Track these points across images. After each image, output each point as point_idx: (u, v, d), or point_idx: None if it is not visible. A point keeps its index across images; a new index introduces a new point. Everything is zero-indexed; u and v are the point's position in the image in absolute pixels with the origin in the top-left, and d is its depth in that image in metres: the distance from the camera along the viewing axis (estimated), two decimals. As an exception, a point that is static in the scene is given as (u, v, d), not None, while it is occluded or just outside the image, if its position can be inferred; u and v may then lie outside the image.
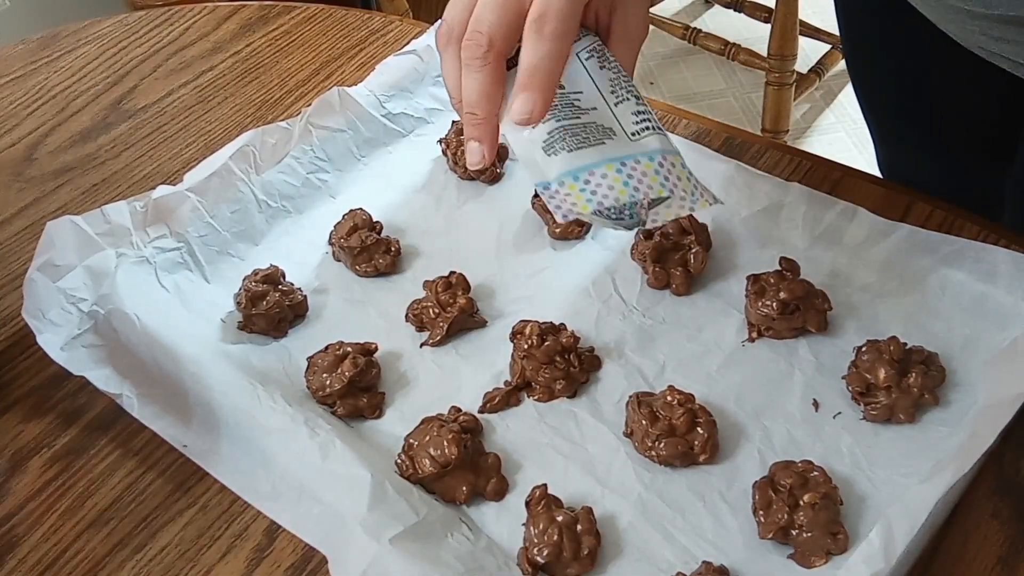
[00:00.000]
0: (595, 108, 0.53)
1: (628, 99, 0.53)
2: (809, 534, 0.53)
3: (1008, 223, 0.80)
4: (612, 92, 0.53)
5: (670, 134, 0.57)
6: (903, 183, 0.82)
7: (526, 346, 0.62)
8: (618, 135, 0.52)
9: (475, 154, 0.54)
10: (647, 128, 0.53)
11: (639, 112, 0.53)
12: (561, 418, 0.61)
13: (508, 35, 0.51)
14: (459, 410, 0.61)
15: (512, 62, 0.52)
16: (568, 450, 0.59)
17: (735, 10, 2.06)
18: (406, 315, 0.67)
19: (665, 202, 0.52)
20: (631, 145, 0.52)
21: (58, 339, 0.63)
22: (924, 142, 0.87)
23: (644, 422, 0.58)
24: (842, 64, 2.04)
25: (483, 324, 0.67)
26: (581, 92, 0.53)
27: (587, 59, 0.54)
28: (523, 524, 0.55)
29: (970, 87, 0.77)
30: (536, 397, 0.62)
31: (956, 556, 0.53)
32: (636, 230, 0.60)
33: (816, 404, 0.61)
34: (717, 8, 2.27)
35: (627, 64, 0.56)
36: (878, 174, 0.75)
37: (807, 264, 0.66)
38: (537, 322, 0.63)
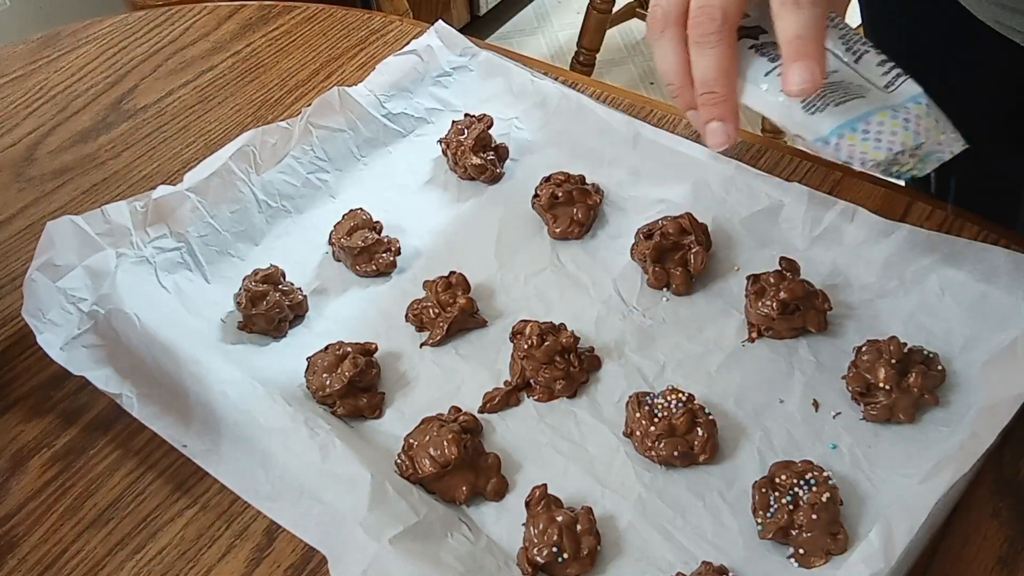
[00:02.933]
0: (836, 71, 0.53)
1: (867, 51, 0.53)
2: (809, 534, 0.53)
3: None
4: (848, 50, 0.53)
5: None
6: None
7: (526, 346, 0.62)
8: (872, 88, 0.52)
9: (718, 135, 0.53)
10: (898, 75, 0.53)
11: (883, 62, 0.53)
12: (561, 418, 0.61)
13: (739, 8, 0.50)
14: (459, 410, 0.61)
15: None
16: (568, 450, 0.59)
17: (735, 10, 2.06)
18: (406, 315, 0.67)
19: (926, 146, 0.52)
20: (891, 95, 0.52)
21: (58, 339, 0.63)
22: None
23: (644, 422, 0.58)
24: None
25: (483, 324, 0.67)
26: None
27: None
28: (523, 524, 0.55)
29: (987, 67, 0.77)
30: (536, 397, 0.62)
31: (956, 556, 0.53)
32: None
33: (816, 404, 0.61)
34: (717, 8, 2.27)
35: (841, 9, 0.55)
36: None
37: (807, 264, 0.66)
38: (537, 322, 0.63)
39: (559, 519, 0.53)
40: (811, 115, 0.51)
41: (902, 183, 0.84)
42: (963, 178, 0.69)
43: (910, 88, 0.52)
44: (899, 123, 0.51)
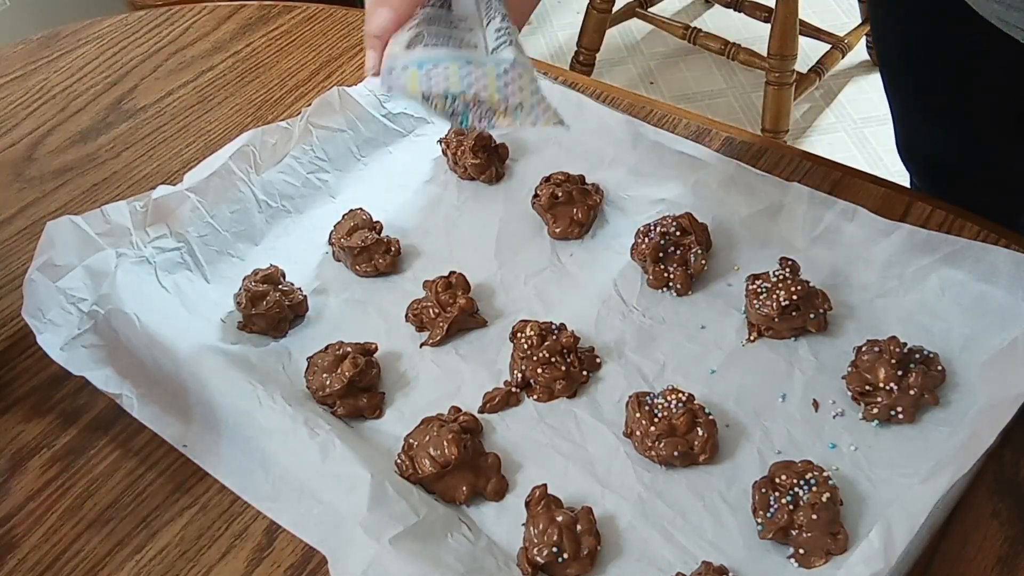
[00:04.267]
0: (471, 30, 0.55)
1: (494, 18, 0.55)
2: (809, 534, 0.53)
3: None
4: (485, 14, 0.56)
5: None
6: (922, 162, 0.81)
7: (526, 346, 0.62)
8: (479, 49, 0.54)
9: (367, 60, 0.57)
10: (505, 43, 0.54)
11: (500, 29, 0.55)
12: (561, 418, 0.61)
13: None
14: (459, 410, 0.61)
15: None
16: (568, 450, 0.59)
17: (735, 10, 2.06)
18: (406, 315, 0.67)
19: (503, 110, 0.53)
20: (486, 56, 0.54)
21: (58, 339, 0.63)
22: (945, 118, 0.87)
23: (644, 422, 0.58)
24: (842, 64, 2.04)
25: (483, 324, 0.67)
26: (464, 14, 0.56)
27: None
28: (523, 524, 0.55)
29: (991, 64, 0.77)
30: (536, 397, 0.62)
31: (956, 556, 0.53)
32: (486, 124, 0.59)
33: (816, 404, 0.61)
34: (717, 8, 2.27)
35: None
36: (878, 174, 0.74)
37: (807, 264, 0.66)
38: (537, 322, 0.63)
39: (559, 519, 0.53)
40: (405, 50, 0.54)
41: (904, 183, 0.84)
42: (967, 174, 0.69)
43: (505, 55, 0.54)
44: (460, 74, 0.53)
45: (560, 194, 0.71)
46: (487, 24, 0.55)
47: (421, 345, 0.66)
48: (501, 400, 0.62)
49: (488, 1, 0.56)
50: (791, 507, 0.53)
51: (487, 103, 0.53)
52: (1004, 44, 0.69)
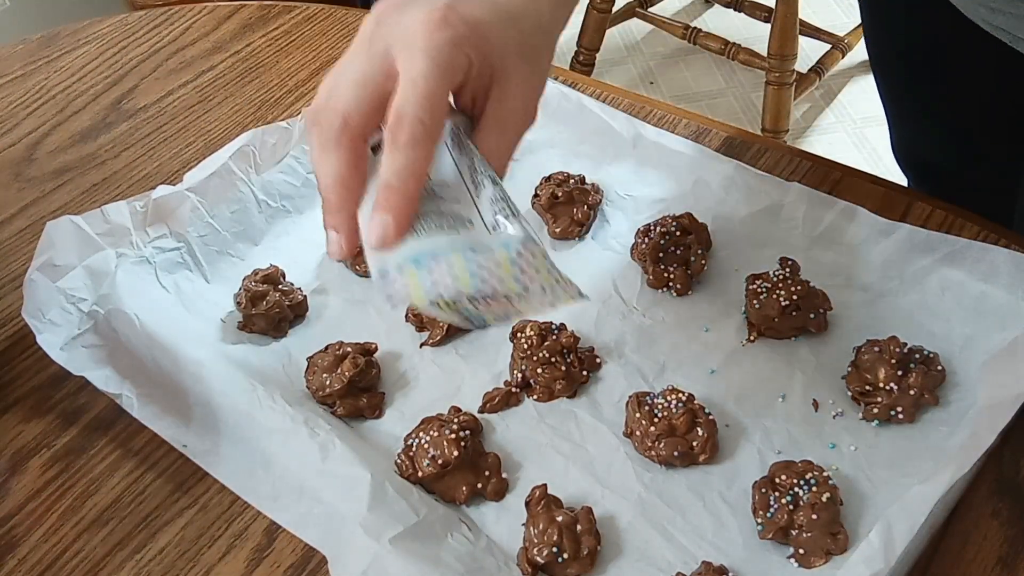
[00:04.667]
0: (458, 201, 0.47)
1: (484, 185, 0.47)
2: (809, 534, 0.53)
3: (1022, 207, 0.79)
4: (472, 180, 0.48)
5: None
6: (918, 166, 0.81)
7: (526, 346, 0.62)
8: (476, 225, 0.46)
9: (332, 244, 0.48)
10: (506, 215, 0.46)
11: (494, 199, 0.47)
12: (561, 418, 0.61)
13: (366, 117, 0.46)
14: (459, 410, 0.61)
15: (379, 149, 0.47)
16: (568, 450, 0.59)
17: (735, 10, 2.06)
18: (406, 315, 0.67)
19: (521, 297, 0.45)
20: (488, 236, 0.46)
21: (58, 339, 0.63)
22: (939, 122, 0.87)
23: (644, 422, 0.58)
24: (842, 64, 2.04)
25: (483, 324, 0.67)
26: (445, 180, 0.48)
27: (451, 144, 0.49)
28: (523, 524, 0.55)
29: (981, 66, 0.77)
30: (536, 397, 0.62)
31: (956, 556, 0.53)
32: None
33: (816, 404, 0.61)
34: (717, 8, 2.27)
35: (501, 152, 0.49)
36: (878, 173, 0.74)
37: (807, 264, 0.66)
38: (537, 322, 0.63)
39: (559, 519, 0.53)
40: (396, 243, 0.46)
41: (904, 183, 0.84)
42: (963, 177, 0.69)
43: (511, 231, 0.45)
44: (468, 267, 0.44)
45: (560, 194, 0.71)
46: (478, 192, 0.47)
47: (421, 345, 0.66)
48: (501, 400, 0.62)
49: (472, 163, 0.48)
50: (791, 507, 0.53)
51: (504, 296, 0.45)
52: (991, 46, 0.69)
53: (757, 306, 0.63)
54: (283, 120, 0.77)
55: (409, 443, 0.58)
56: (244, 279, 0.68)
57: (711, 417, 0.58)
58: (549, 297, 0.45)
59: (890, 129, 0.94)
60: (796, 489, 0.54)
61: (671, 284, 0.67)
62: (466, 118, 0.51)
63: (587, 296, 0.47)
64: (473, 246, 0.45)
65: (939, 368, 0.60)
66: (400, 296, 0.44)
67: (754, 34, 2.09)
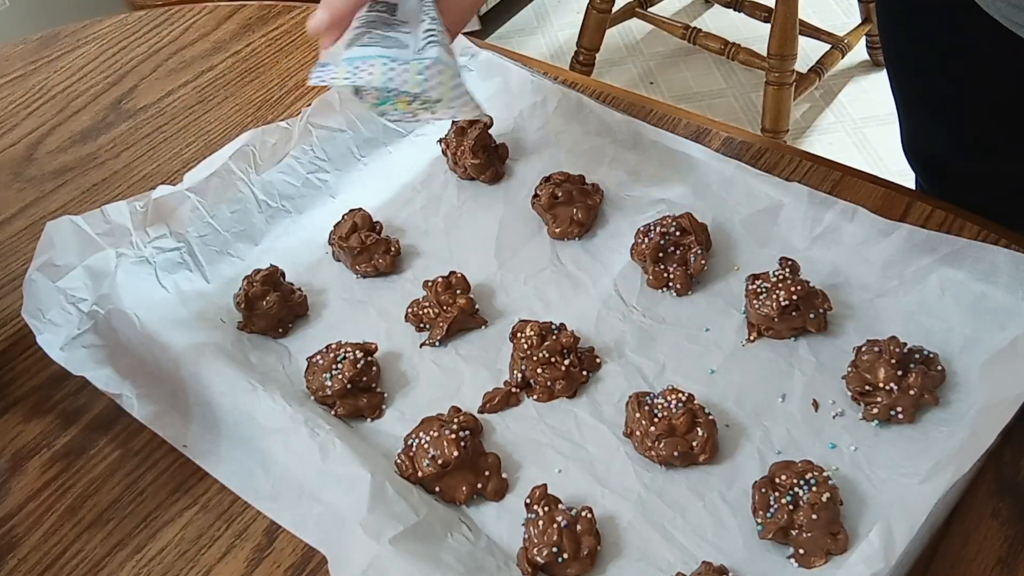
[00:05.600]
0: (409, 32, 0.59)
1: (423, 20, 0.60)
2: (809, 534, 0.53)
3: None
4: (422, 14, 0.60)
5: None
6: (927, 161, 0.81)
7: (526, 346, 0.62)
8: (409, 49, 0.59)
9: (313, 19, 0.60)
10: (431, 43, 0.59)
11: (428, 30, 0.59)
12: (561, 418, 0.61)
13: None
14: (459, 410, 0.61)
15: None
16: (568, 450, 0.59)
17: (735, 10, 2.06)
18: (406, 315, 0.67)
19: (430, 104, 0.59)
20: (411, 55, 0.58)
21: (58, 339, 0.63)
22: (953, 116, 0.86)
23: (644, 422, 0.58)
24: (842, 64, 2.04)
25: (483, 324, 0.67)
26: (407, 14, 0.60)
27: None
28: (523, 524, 0.55)
29: (998, 64, 0.77)
30: (536, 397, 0.62)
31: (956, 556, 0.53)
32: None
33: (816, 404, 0.61)
34: (717, 8, 2.27)
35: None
36: (878, 173, 0.74)
37: (807, 264, 0.66)
38: (537, 322, 0.63)
39: (559, 519, 0.53)
40: (345, 49, 0.58)
41: (910, 185, 0.84)
42: (972, 172, 0.69)
43: (429, 53, 0.58)
44: (384, 69, 0.57)
45: (560, 194, 0.71)
46: (421, 22, 0.59)
47: (421, 345, 0.66)
48: (501, 400, 0.62)
49: (423, 5, 0.61)
50: (791, 507, 0.53)
51: (407, 96, 0.58)
52: (1012, 43, 0.69)
53: (757, 306, 0.63)
54: (283, 120, 0.77)
55: (409, 443, 0.58)
56: (244, 279, 0.68)
57: (711, 417, 0.58)
58: (451, 110, 0.59)
59: (900, 123, 0.94)
60: (796, 489, 0.54)
61: (671, 284, 0.67)
62: None
63: (488, 115, 0.63)
64: (395, 57, 0.58)
65: (939, 368, 0.60)
66: (328, 79, 0.57)
67: (754, 34, 2.08)
